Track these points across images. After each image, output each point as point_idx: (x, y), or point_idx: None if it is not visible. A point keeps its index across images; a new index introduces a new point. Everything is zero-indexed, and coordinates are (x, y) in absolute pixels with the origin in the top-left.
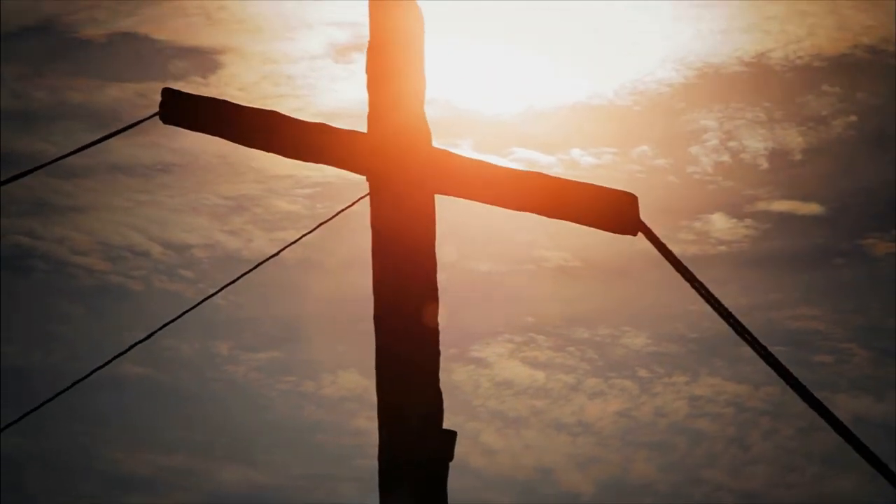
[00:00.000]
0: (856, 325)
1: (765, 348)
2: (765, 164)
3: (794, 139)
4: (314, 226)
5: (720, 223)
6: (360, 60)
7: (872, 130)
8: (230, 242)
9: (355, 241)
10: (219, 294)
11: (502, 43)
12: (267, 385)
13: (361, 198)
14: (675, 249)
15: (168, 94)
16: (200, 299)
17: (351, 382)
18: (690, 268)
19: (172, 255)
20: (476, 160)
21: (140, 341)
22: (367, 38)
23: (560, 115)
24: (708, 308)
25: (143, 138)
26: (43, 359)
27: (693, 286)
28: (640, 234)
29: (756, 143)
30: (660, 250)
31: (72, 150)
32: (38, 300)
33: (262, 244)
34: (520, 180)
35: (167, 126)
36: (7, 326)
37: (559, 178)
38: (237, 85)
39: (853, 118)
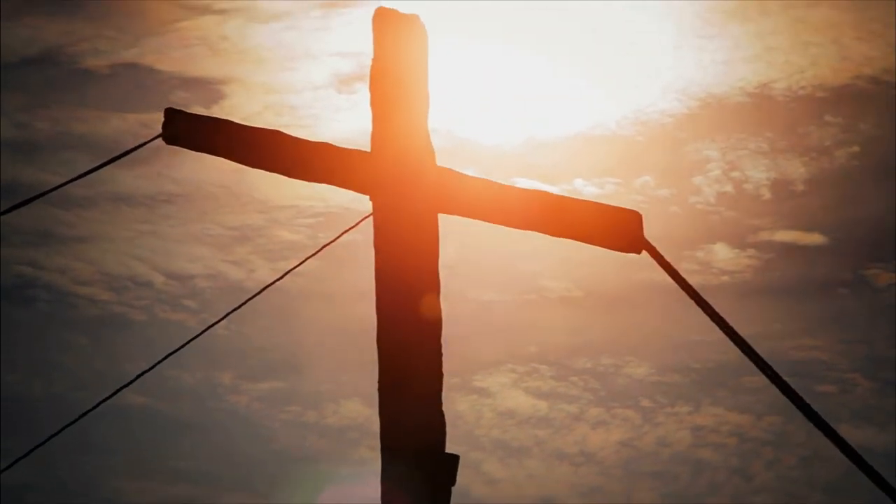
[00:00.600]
0: (859, 356)
1: (771, 369)
2: (767, 195)
3: (796, 169)
4: (318, 253)
5: (723, 253)
6: (364, 91)
7: (875, 161)
8: (233, 272)
9: (357, 271)
10: (221, 324)
11: (505, 72)
12: (269, 415)
13: (366, 217)
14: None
15: (171, 113)
16: (203, 329)
17: (353, 412)
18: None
19: (175, 285)
20: (480, 179)
21: (144, 372)
22: (370, 68)
23: (562, 145)
24: (710, 338)
25: (145, 168)
26: (45, 389)
27: (698, 304)
28: (644, 253)
29: (758, 174)
30: (665, 269)
31: (73, 177)
32: (41, 330)
33: (265, 274)
34: (524, 199)
35: (169, 156)
36: (9, 356)
37: (563, 197)
38: (240, 115)
39: (855, 148)
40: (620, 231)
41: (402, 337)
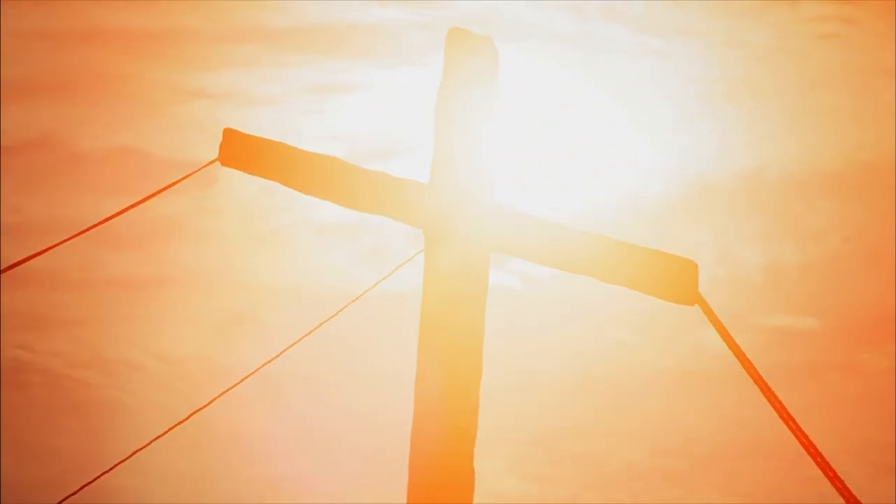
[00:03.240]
0: (852, 441)
1: (807, 438)
2: (760, 279)
3: (789, 254)
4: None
5: (715, 337)
6: None
7: (869, 246)
8: (225, 356)
9: (350, 356)
10: (214, 408)
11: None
12: (263, 501)
13: (416, 254)
14: (670, 363)
15: (229, 134)
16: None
17: (345, 497)
18: (690, 380)
19: (167, 368)
20: (537, 218)
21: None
22: (372, 145)
23: None
24: (704, 422)
25: (139, 252)
26: (39, 472)
27: (745, 368)
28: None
29: (751, 258)
30: (716, 327)
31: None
32: (35, 414)
33: (257, 358)
34: (581, 242)
35: (164, 239)
36: (3, 440)
37: (621, 242)
38: (235, 197)
39: (849, 233)
40: (676, 281)
41: (441, 380)
